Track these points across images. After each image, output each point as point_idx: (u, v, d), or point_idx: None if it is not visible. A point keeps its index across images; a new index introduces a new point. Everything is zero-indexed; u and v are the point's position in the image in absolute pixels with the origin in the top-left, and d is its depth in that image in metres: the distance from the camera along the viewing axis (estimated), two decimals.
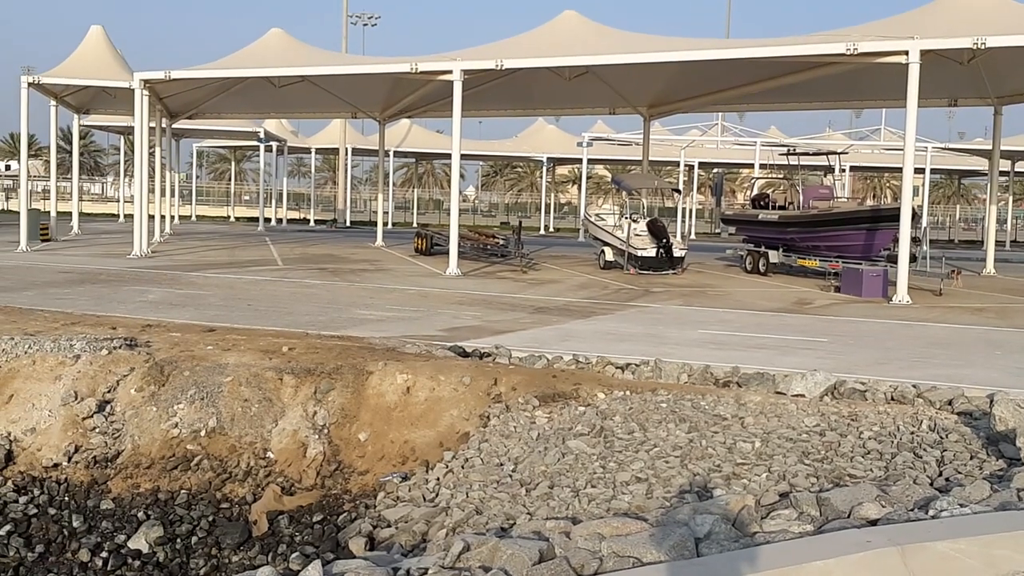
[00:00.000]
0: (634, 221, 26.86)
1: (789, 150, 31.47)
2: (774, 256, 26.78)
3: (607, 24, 26.66)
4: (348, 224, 59.03)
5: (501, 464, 7.97)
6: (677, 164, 53.77)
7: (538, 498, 6.99)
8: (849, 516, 5.78)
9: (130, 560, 8.72)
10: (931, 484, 6.67)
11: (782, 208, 28.31)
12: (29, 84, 28.80)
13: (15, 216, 32.12)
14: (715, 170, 60.89)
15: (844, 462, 7.26)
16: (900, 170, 22.93)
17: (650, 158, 34.71)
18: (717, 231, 54.90)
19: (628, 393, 9.45)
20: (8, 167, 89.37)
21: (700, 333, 14.82)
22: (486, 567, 5.21)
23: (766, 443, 7.75)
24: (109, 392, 10.21)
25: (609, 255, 27.06)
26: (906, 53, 19.55)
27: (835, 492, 6.14)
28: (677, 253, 26.21)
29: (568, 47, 24.31)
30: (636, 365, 11.17)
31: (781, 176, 33.69)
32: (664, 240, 26.12)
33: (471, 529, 6.64)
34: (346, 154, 59.48)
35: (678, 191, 38.86)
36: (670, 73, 27.18)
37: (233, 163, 79.68)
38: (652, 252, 25.80)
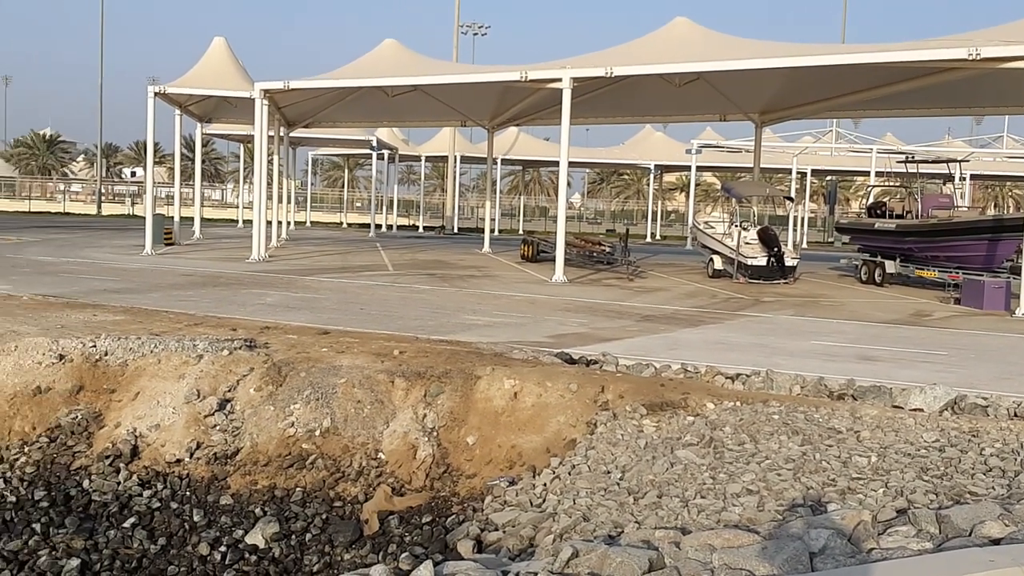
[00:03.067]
0: (744, 229, 26.46)
1: (907, 157, 30.52)
2: (891, 266, 26.05)
3: (719, 31, 26.35)
4: (456, 231, 59.74)
5: (608, 472, 7.97)
6: (789, 171, 52.73)
7: (646, 507, 6.96)
8: (970, 534, 5.59)
9: (247, 555, 8.97)
10: None
11: (899, 217, 27.51)
12: (156, 94, 30.03)
13: (141, 221, 33.53)
14: (829, 178, 59.57)
15: (965, 479, 7.02)
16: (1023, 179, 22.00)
17: (761, 165, 34.13)
18: (830, 240, 53.58)
19: (738, 404, 9.33)
20: (134, 173, 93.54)
21: (813, 344, 14.51)
22: (595, 574, 5.22)
23: (883, 458, 7.55)
24: (229, 391, 10.58)
25: (718, 263, 26.72)
26: None
27: (955, 509, 5.95)
28: (789, 262, 25.71)
29: (679, 54, 24.10)
30: (747, 376, 11.01)
31: (898, 184, 32.71)
32: (775, 249, 25.65)
33: (578, 536, 6.66)
34: (455, 162, 60.22)
35: (790, 199, 38.13)
36: (783, 79, 26.67)
37: (346, 170, 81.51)
38: (763, 261, 25.37)
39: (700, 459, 7.73)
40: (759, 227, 27.20)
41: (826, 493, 6.82)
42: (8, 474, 10.08)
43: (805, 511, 6.41)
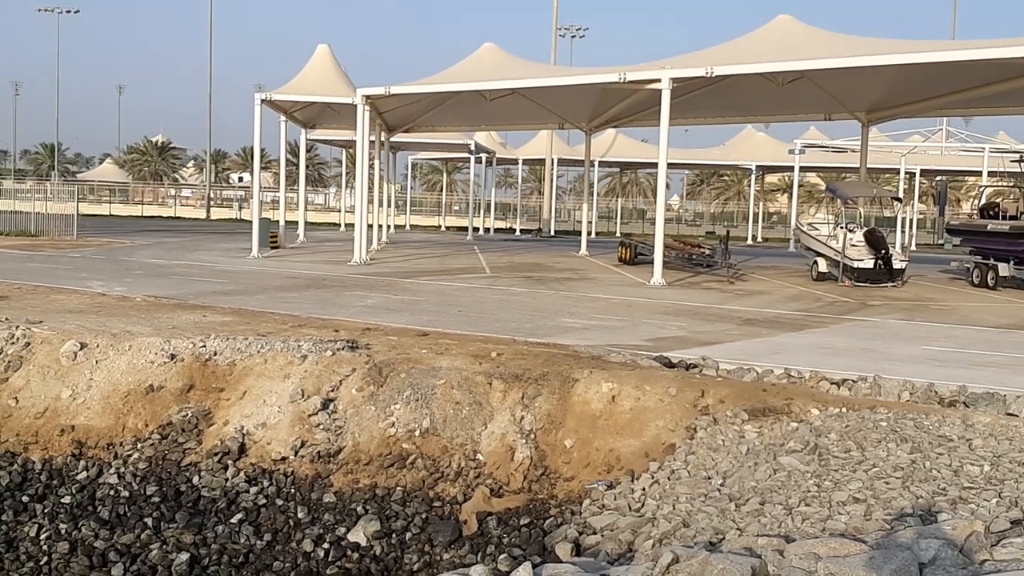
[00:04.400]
0: (850, 231, 25.82)
1: (1021, 156, 29.31)
2: (1004, 269, 25.02)
3: (824, 28, 25.79)
4: (552, 233, 59.79)
5: (709, 477, 7.86)
6: (896, 171, 51.18)
7: (748, 514, 6.84)
8: None
9: (349, 552, 9.13)
10: None
11: (1013, 218, 26.42)
12: (262, 101, 30.85)
13: (248, 225, 34.49)
14: (938, 178, 57.67)
15: None
16: None
17: (868, 165, 33.23)
18: (940, 242, 51.84)
19: (844, 410, 9.09)
20: (241, 179, 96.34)
21: (922, 349, 14.05)
22: None
23: (996, 467, 7.27)
24: (332, 391, 10.79)
25: (823, 266, 26.14)
26: None
27: None
28: (897, 265, 25.00)
29: (782, 52, 23.66)
30: (853, 381, 10.73)
31: (1012, 184, 31.44)
32: (882, 251, 24.97)
33: (678, 541, 6.58)
34: (552, 164, 60.27)
35: (898, 200, 37.07)
36: (891, 77, 25.91)
37: (444, 174, 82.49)
38: (870, 263, 24.73)
39: (804, 466, 7.56)
40: (866, 229, 26.50)
41: (936, 503, 6.60)
42: (122, 470, 10.48)
43: (914, 521, 6.21)
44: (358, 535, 9.21)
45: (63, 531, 9.84)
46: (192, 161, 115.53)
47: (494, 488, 9.44)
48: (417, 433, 10.08)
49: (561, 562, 6.58)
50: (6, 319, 13.62)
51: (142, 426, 10.94)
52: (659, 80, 23.38)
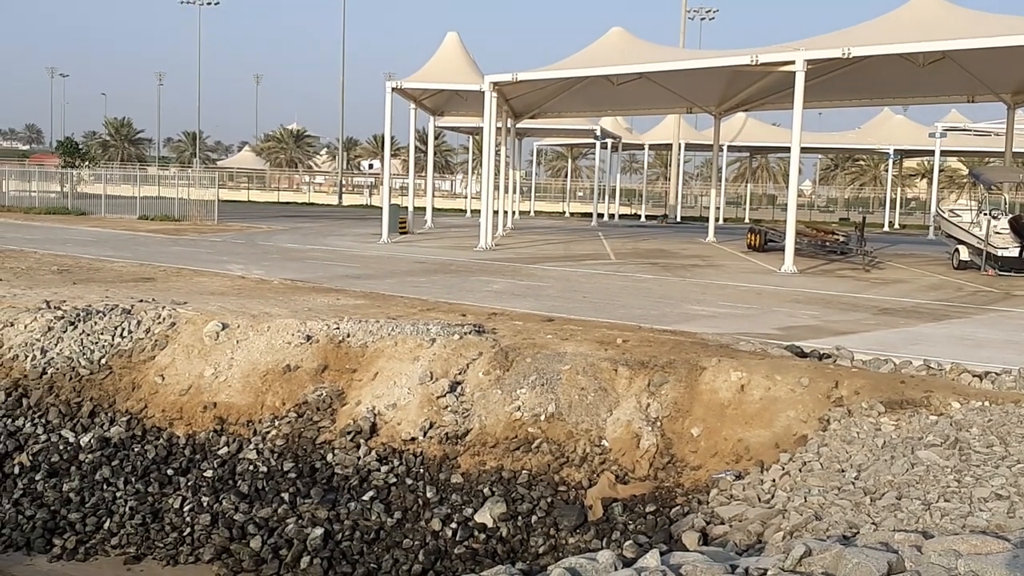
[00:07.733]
0: (994, 218, 24.65)
1: None
2: None
3: (967, 7, 24.62)
4: (678, 219, 59.03)
5: (842, 470, 7.66)
6: None
7: (884, 508, 6.64)
8: None
9: (476, 533, 9.27)
10: None
11: None
12: (393, 89, 31.41)
13: (378, 210, 35.21)
14: None
15: None
16: None
17: (1013, 149, 31.60)
18: None
19: (987, 404, 8.72)
20: (371, 166, 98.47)
21: None
22: (829, 574, 5.04)
23: None
24: (460, 374, 10.96)
25: (964, 254, 25.08)
26: None
27: None
28: None
29: (923, 31, 22.71)
30: (996, 374, 10.26)
31: None
32: None
33: (809, 534, 6.44)
34: (679, 149, 59.43)
35: None
36: None
37: (569, 160, 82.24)
38: (1015, 252, 23.58)
39: (944, 461, 7.29)
40: (1011, 216, 25.25)
41: None
42: (260, 446, 10.90)
43: None
44: (484, 516, 9.35)
45: (205, 503, 10.28)
46: (325, 148, 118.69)
47: (619, 474, 9.44)
48: (542, 417, 10.15)
49: (688, 551, 6.53)
50: (153, 299, 14.34)
51: (279, 404, 11.35)
52: (793, 62, 22.80)
